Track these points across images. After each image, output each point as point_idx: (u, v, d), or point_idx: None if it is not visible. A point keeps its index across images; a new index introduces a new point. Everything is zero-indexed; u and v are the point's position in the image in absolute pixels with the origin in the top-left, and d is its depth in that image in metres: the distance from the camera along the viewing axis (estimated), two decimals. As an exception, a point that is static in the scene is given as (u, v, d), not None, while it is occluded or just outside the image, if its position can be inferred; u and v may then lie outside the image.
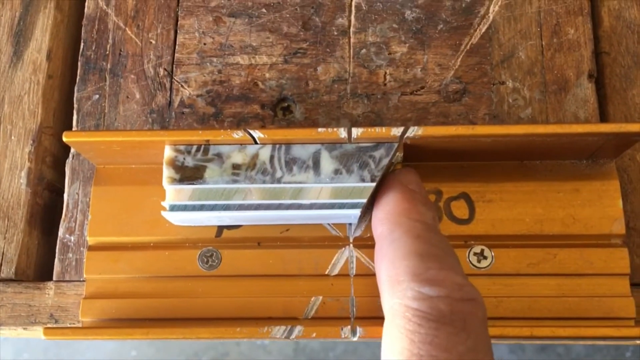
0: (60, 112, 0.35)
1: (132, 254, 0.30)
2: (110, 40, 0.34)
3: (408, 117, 0.32)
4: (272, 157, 0.28)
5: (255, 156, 0.28)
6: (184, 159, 0.28)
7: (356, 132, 0.28)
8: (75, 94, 0.33)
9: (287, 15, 0.34)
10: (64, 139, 0.28)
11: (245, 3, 0.34)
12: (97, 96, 0.33)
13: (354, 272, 0.30)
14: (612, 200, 0.30)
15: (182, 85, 0.33)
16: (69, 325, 0.30)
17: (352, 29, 0.34)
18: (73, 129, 0.33)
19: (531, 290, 0.29)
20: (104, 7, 0.35)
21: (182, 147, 0.28)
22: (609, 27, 0.33)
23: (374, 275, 0.29)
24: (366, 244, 0.30)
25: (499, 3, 0.33)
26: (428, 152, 0.30)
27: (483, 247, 0.30)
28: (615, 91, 0.32)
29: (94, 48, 0.34)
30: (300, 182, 0.28)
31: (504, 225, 0.30)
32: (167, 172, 0.28)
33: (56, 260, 0.31)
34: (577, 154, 0.30)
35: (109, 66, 0.34)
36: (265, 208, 0.28)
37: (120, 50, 0.34)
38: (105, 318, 0.30)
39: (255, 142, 0.28)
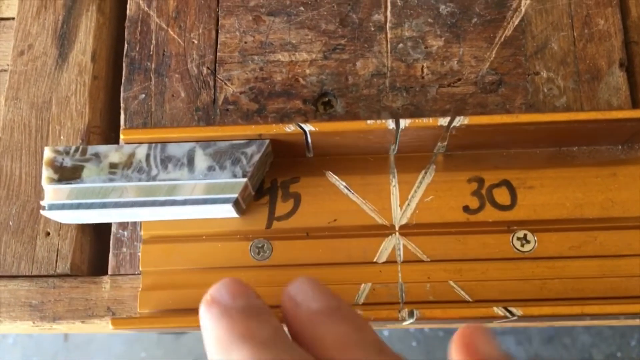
0: (107, 112, 0.36)
1: (185, 246, 0.31)
2: (153, 41, 0.35)
3: (446, 108, 0.33)
4: (148, 156, 0.29)
5: (132, 155, 0.29)
6: (63, 159, 0.29)
7: (404, 123, 0.29)
8: (122, 94, 0.34)
9: (325, 13, 0.35)
10: (122, 137, 0.29)
11: (284, 2, 0.35)
12: (144, 95, 0.34)
13: (402, 259, 0.31)
14: (649, 184, 0.31)
15: (225, 83, 0.34)
16: (133, 315, 0.31)
17: (388, 24, 0.35)
18: (121, 128, 0.34)
19: (573, 271, 0.30)
20: (146, 8, 0.36)
21: (61, 148, 0.29)
22: (637, 17, 0.35)
23: (421, 261, 0.31)
24: (412, 231, 0.31)
25: (531, -4, 0.35)
26: (470, 141, 0.31)
27: (526, 231, 0.31)
28: (645, 79, 0.34)
29: (137, 49, 0.35)
30: (174, 179, 0.29)
31: (545, 210, 0.31)
32: (46, 173, 0.29)
33: (110, 254, 0.32)
34: (613, 140, 0.31)
35: (153, 66, 0.35)
36: (140, 205, 0.29)
37: (164, 51, 0.35)
38: (162, 309, 0.31)
39: (306, 135, 0.29)
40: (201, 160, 0.29)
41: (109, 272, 0.32)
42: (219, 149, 0.29)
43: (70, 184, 0.29)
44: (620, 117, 0.28)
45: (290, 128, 0.29)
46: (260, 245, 0.31)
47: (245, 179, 0.29)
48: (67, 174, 0.29)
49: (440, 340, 1.01)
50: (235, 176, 0.29)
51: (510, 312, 0.27)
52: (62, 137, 0.34)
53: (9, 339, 1.01)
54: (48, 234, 0.33)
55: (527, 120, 0.28)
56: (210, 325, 0.21)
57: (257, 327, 0.20)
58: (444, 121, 0.29)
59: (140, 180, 0.29)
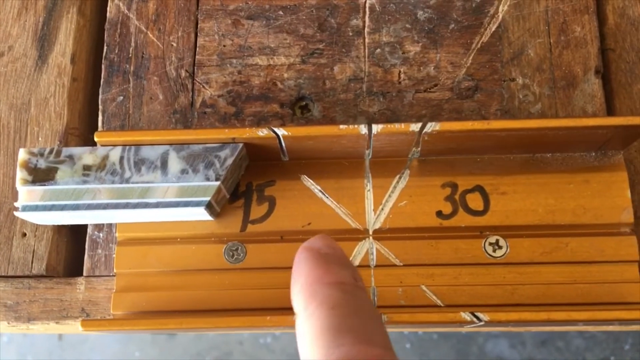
0: (85, 114, 0.36)
1: (160, 248, 0.31)
2: (132, 44, 0.35)
3: (422, 113, 0.34)
4: (121, 158, 0.29)
5: (106, 157, 0.29)
6: (37, 161, 0.29)
7: (376, 128, 0.29)
8: (100, 96, 0.35)
9: (304, 17, 0.35)
10: (96, 139, 0.29)
11: (263, 6, 0.35)
12: (122, 98, 0.34)
13: (375, 263, 0.31)
14: (621, 191, 0.31)
15: (203, 86, 0.34)
16: (106, 317, 0.31)
17: (366, 29, 0.35)
18: (99, 130, 0.34)
19: (545, 277, 0.30)
20: (126, 11, 0.36)
21: (35, 150, 0.30)
22: (613, 25, 0.35)
23: (394, 266, 0.31)
24: (385, 236, 0.31)
25: (508, 3, 0.35)
26: (444, 146, 0.31)
27: (498, 237, 0.31)
28: (621, 86, 0.34)
29: (117, 51, 0.35)
30: (147, 182, 0.29)
31: (517, 216, 0.31)
32: (20, 174, 0.29)
33: (86, 256, 0.33)
34: (586, 147, 0.31)
35: (132, 68, 0.35)
36: (113, 207, 0.29)
37: (143, 53, 0.35)
38: (136, 311, 0.31)
39: (279, 140, 0.30)
40: (174, 163, 0.29)
41: (84, 273, 0.32)
42: (193, 152, 0.29)
43: (44, 185, 0.29)
44: (592, 124, 0.28)
45: (263, 132, 0.29)
46: (234, 248, 0.31)
47: (218, 183, 0.29)
48: (41, 176, 0.29)
49: (434, 343, 1.01)
50: (208, 179, 0.29)
51: (477, 317, 0.27)
52: (40, 139, 0.34)
53: (4, 337, 1.02)
54: (24, 234, 0.33)
55: (498, 127, 0.29)
56: (301, 267, 0.24)
57: (340, 271, 0.24)
58: (415, 127, 0.29)
59: (113, 182, 0.29)
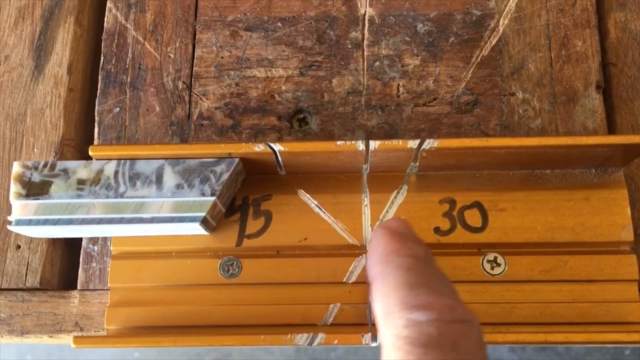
0: (81, 125, 0.35)
1: (154, 262, 0.31)
2: (129, 54, 0.35)
3: (421, 127, 0.33)
4: (116, 172, 0.29)
5: (100, 171, 0.29)
6: (31, 174, 0.29)
7: (373, 144, 0.29)
8: (97, 107, 0.34)
9: (302, 29, 0.35)
10: (91, 153, 0.29)
11: (261, 17, 0.35)
12: (118, 109, 0.34)
13: (371, 279, 0.31)
14: (621, 208, 0.31)
15: (200, 98, 0.34)
16: (97, 334, 0.31)
17: (365, 42, 0.35)
18: (95, 142, 0.34)
19: (543, 296, 0.30)
20: (123, 21, 0.36)
21: (29, 163, 0.29)
22: (615, 39, 0.34)
23: (390, 282, 0.30)
24: (382, 252, 0.31)
25: (509, 16, 0.34)
26: (442, 162, 0.31)
27: (496, 254, 0.31)
28: (622, 101, 0.33)
29: (114, 62, 0.35)
30: (142, 197, 0.29)
31: (516, 233, 0.31)
32: (14, 188, 0.29)
33: (80, 269, 0.32)
34: (586, 164, 0.31)
35: (129, 80, 0.35)
36: (107, 222, 0.29)
37: (140, 64, 0.35)
38: (130, 326, 0.30)
39: (276, 155, 0.29)
40: (170, 178, 0.29)
41: (78, 287, 0.32)
42: (188, 166, 0.29)
43: (38, 199, 0.29)
44: (591, 142, 0.28)
45: (259, 147, 0.29)
46: (229, 263, 0.31)
47: (213, 198, 0.29)
48: (35, 190, 0.29)
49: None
50: (203, 195, 0.29)
51: (474, 338, 0.27)
52: (35, 150, 0.34)
53: (2, 339, 1.01)
54: (19, 247, 0.33)
55: (496, 145, 0.28)
56: (378, 241, 0.26)
57: (415, 247, 0.26)
58: (413, 144, 0.28)
59: (107, 197, 0.29)
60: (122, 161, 0.29)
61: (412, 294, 0.24)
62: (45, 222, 0.29)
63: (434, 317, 0.23)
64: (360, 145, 0.29)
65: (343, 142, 0.29)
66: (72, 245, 0.34)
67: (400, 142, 0.29)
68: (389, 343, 0.23)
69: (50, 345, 1.01)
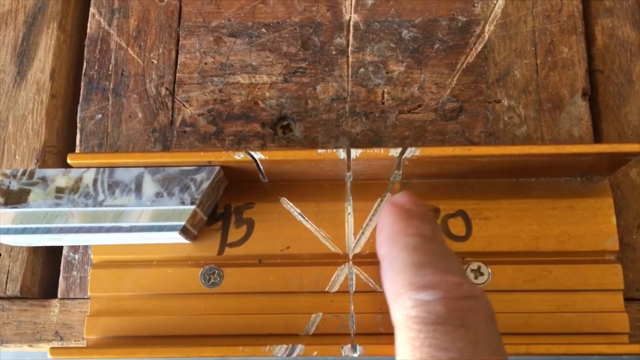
0: (64, 131, 0.35)
1: (135, 271, 0.31)
2: (112, 60, 0.35)
3: (406, 135, 0.33)
4: (95, 181, 0.29)
5: (79, 180, 0.29)
6: (10, 182, 0.29)
7: (355, 153, 0.28)
8: (79, 114, 0.34)
9: (287, 35, 0.35)
10: (69, 161, 0.29)
11: (245, 23, 0.35)
12: (100, 116, 0.34)
13: (354, 288, 0.30)
14: (606, 217, 0.30)
15: (183, 105, 0.34)
16: (74, 345, 0.31)
17: (350, 48, 0.34)
18: (76, 149, 0.34)
19: (527, 306, 0.30)
20: (106, 27, 0.35)
21: (8, 172, 0.29)
22: (602, 46, 0.34)
23: (373, 292, 0.30)
24: (365, 260, 0.31)
25: (495, 22, 0.34)
26: (425, 170, 0.30)
27: (480, 263, 0.30)
28: (609, 109, 0.33)
29: (96, 68, 0.35)
30: (121, 205, 0.28)
31: (500, 242, 0.30)
32: None
33: (61, 278, 0.32)
34: (571, 172, 0.31)
35: (111, 86, 0.34)
36: (86, 231, 0.28)
37: (123, 70, 0.35)
38: (110, 335, 0.30)
39: (257, 163, 0.29)
40: (149, 187, 0.29)
41: (59, 295, 0.32)
42: (168, 175, 0.29)
43: (16, 208, 0.29)
44: (575, 151, 0.28)
45: (239, 156, 0.29)
46: (211, 272, 0.31)
47: (193, 207, 0.28)
48: (13, 198, 0.29)
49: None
50: (183, 203, 0.29)
51: (455, 349, 0.27)
52: (17, 157, 0.34)
53: None
54: (-1, 255, 0.32)
55: (479, 153, 0.28)
56: (386, 220, 0.27)
57: (421, 225, 0.27)
58: (395, 152, 0.28)
59: (86, 205, 0.29)
60: (101, 169, 0.29)
61: (418, 273, 0.25)
62: (24, 231, 0.28)
63: (441, 295, 0.24)
64: (342, 153, 0.28)
65: (324, 150, 0.28)
66: (53, 254, 0.33)
67: (382, 150, 0.28)
68: (400, 324, 0.24)
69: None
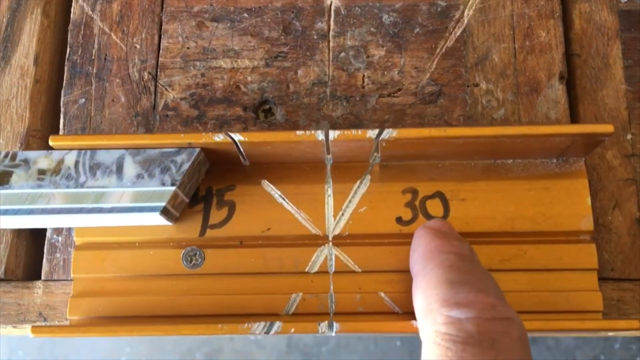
0: (48, 116, 0.35)
1: (117, 253, 0.31)
2: (95, 45, 0.35)
3: (385, 118, 0.33)
4: (77, 163, 0.29)
5: (61, 161, 0.29)
6: None
7: (333, 134, 0.29)
8: (62, 98, 0.34)
9: (268, 20, 0.35)
10: (51, 143, 0.29)
11: (228, 8, 0.35)
12: (84, 100, 0.34)
13: (333, 269, 0.31)
14: (581, 198, 0.31)
15: (166, 89, 0.34)
16: (57, 324, 0.31)
17: (331, 33, 0.35)
18: (60, 133, 0.34)
19: (503, 285, 0.30)
20: (90, 12, 0.35)
21: None
22: (579, 30, 0.34)
23: (352, 272, 0.31)
24: (345, 242, 0.31)
25: (474, 7, 0.34)
26: (404, 152, 0.31)
27: (457, 244, 0.31)
28: (586, 92, 0.34)
29: (80, 53, 0.35)
30: (102, 187, 0.29)
31: (477, 223, 0.31)
32: None
33: (44, 260, 0.32)
34: (547, 153, 0.31)
35: (94, 70, 0.35)
36: (67, 212, 0.29)
37: (106, 55, 0.35)
38: (92, 316, 0.31)
39: (237, 145, 0.29)
40: (130, 168, 0.29)
41: (42, 277, 0.32)
42: (149, 156, 0.29)
43: None
44: (549, 132, 0.28)
45: (219, 137, 0.29)
46: (192, 254, 0.31)
47: (174, 188, 0.29)
48: None
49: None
50: (164, 184, 0.29)
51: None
52: (1, 141, 0.34)
53: (-6, 333, 1.01)
54: (-17, 237, 0.33)
55: (455, 135, 0.28)
56: (421, 239, 0.28)
57: (458, 244, 0.27)
58: (372, 133, 0.29)
59: (68, 187, 0.29)
60: (83, 151, 0.29)
61: (452, 291, 0.24)
62: (6, 213, 0.29)
63: (474, 314, 0.23)
64: (320, 135, 0.29)
65: (303, 132, 0.29)
66: (37, 236, 0.34)
67: (360, 132, 0.29)
68: (429, 339, 0.24)
69: (42, 339, 1.01)
